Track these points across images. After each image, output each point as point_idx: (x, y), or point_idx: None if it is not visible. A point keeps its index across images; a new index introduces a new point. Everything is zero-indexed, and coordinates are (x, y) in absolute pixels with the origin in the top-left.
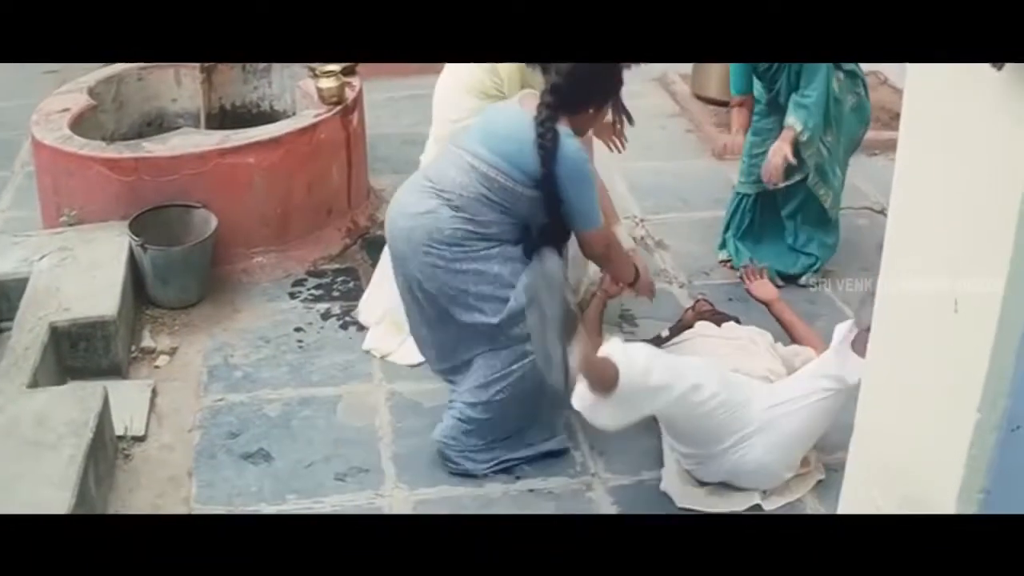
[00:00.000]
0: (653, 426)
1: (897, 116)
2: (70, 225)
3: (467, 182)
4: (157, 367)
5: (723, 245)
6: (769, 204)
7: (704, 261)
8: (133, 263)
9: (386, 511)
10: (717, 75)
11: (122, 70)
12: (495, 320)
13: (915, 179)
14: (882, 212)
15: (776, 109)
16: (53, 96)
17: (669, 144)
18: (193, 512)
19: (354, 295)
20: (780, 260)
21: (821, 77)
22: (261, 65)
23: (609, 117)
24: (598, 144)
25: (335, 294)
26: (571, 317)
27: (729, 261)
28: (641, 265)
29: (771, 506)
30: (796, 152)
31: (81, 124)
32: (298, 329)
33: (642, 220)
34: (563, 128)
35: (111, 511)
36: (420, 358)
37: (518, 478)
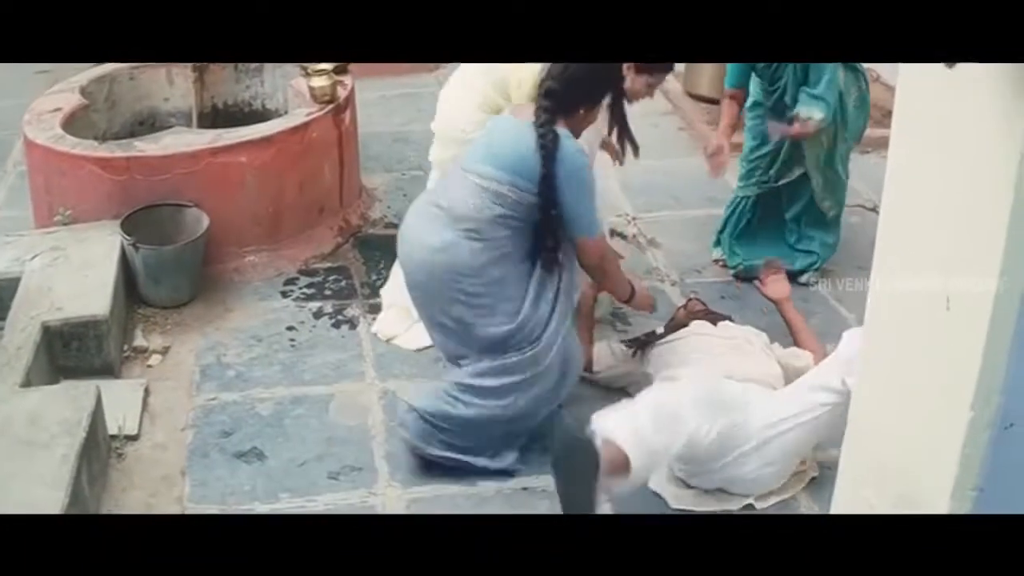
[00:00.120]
0: None
1: (889, 114)
2: (63, 224)
3: (480, 204)
4: (150, 366)
5: (717, 243)
6: (769, 205)
7: (696, 259)
8: (125, 262)
9: (379, 510)
10: (709, 73)
11: (114, 69)
12: (510, 327)
13: (907, 178)
14: (874, 210)
15: (780, 111)
16: (45, 96)
17: (661, 142)
18: (186, 511)
19: (346, 294)
20: (771, 255)
21: (831, 69)
22: (253, 64)
23: (614, 139)
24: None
25: (327, 293)
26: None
27: (722, 260)
28: (638, 283)
29: (764, 504)
30: (798, 145)
31: (73, 123)
32: (290, 328)
33: (634, 218)
34: (562, 130)
35: (104, 510)
36: (426, 343)
37: (512, 476)
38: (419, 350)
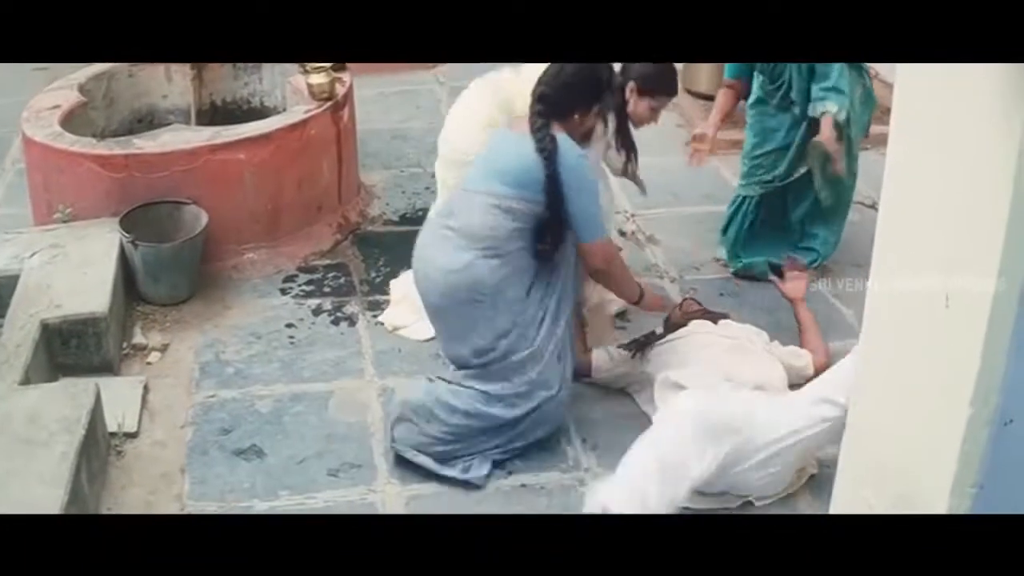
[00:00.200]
0: (645, 423)
1: (888, 111)
2: (62, 222)
3: (495, 222)
4: (149, 364)
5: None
6: (774, 205)
7: (695, 256)
8: (124, 260)
9: (378, 506)
10: (707, 70)
11: (112, 67)
12: (515, 336)
13: (906, 176)
14: (873, 207)
15: (784, 107)
16: (43, 93)
17: (659, 139)
18: (186, 508)
19: (345, 291)
20: (774, 256)
21: (838, 63)
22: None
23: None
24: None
25: (326, 290)
26: None
27: (723, 260)
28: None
29: (763, 502)
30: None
31: (72, 121)
32: (289, 325)
33: (633, 215)
34: (559, 133)
35: (104, 508)
36: (431, 334)
37: (510, 473)
38: (425, 340)
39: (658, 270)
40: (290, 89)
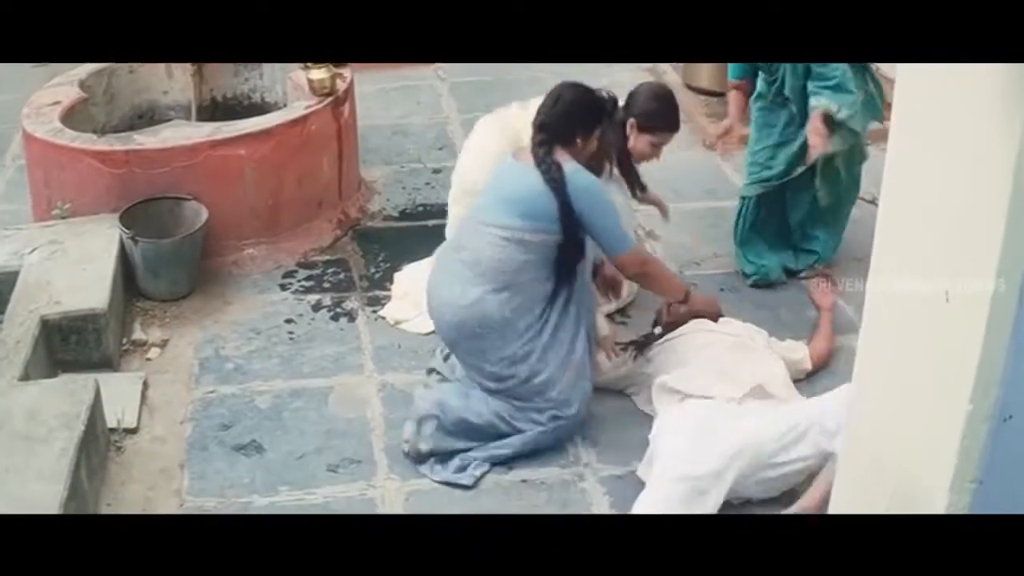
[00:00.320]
0: (645, 419)
1: (889, 106)
2: (62, 218)
3: (504, 255)
4: (148, 359)
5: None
6: (772, 207)
7: (695, 251)
8: (124, 256)
9: (378, 502)
10: (708, 66)
11: (113, 63)
12: (520, 375)
13: (906, 173)
14: (873, 202)
15: (781, 104)
16: (44, 89)
17: None
18: (185, 504)
19: (345, 286)
20: (779, 258)
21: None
22: None
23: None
24: None
25: (326, 286)
26: None
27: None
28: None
29: (761, 497)
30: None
31: (72, 117)
32: (289, 321)
33: (634, 210)
34: (565, 158)
35: (103, 504)
36: (431, 327)
37: (510, 468)
38: (426, 334)
39: None
40: (291, 85)
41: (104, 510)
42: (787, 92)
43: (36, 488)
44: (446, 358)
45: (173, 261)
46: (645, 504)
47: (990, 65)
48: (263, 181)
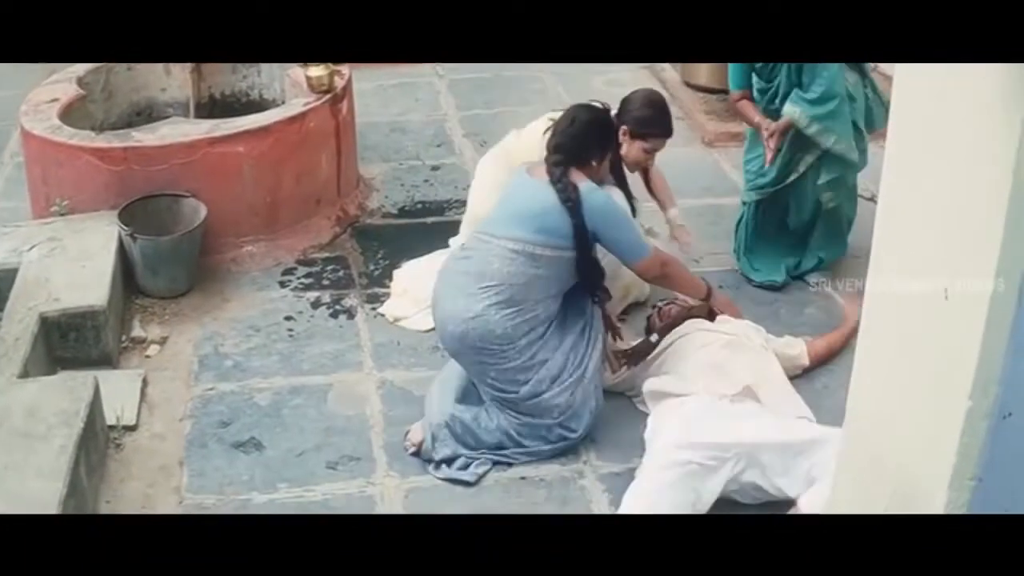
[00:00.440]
0: (643, 418)
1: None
2: (61, 215)
3: (515, 270)
4: (147, 357)
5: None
6: (773, 213)
7: (694, 248)
8: (123, 253)
9: (377, 499)
10: (707, 63)
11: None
12: (523, 391)
13: (905, 172)
14: (872, 199)
15: (772, 113)
16: (42, 86)
17: None
18: (184, 501)
19: (344, 283)
20: (784, 263)
21: (828, 75)
22: None
23: None
24: None
25: (325, 283)
26: None
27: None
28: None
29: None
30: (802, 143)
31: (70, 114)
32: (288, 318)
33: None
34: (580, 178)
35: (102, 501)
36: (430, 325)
37: (510, 465)
38: (425, 332)
39: None
40: (289, 82)
41: (103, 507)
42: (777, 103)
43: (35, 485)
44: None
45: (172, 258)
46: (635, 492)
47: (990, 65)
48: (261, 178)
